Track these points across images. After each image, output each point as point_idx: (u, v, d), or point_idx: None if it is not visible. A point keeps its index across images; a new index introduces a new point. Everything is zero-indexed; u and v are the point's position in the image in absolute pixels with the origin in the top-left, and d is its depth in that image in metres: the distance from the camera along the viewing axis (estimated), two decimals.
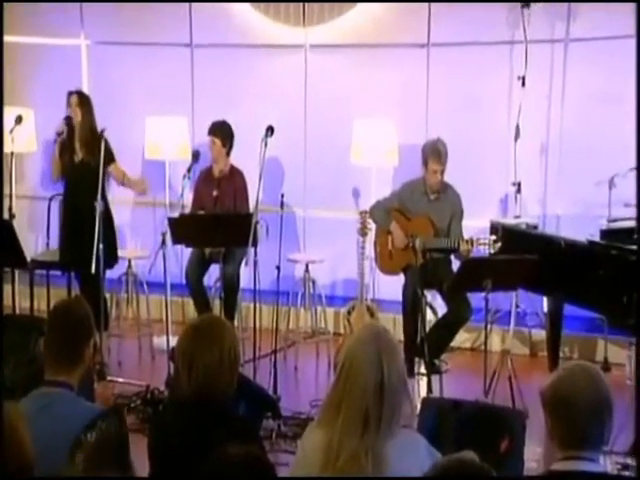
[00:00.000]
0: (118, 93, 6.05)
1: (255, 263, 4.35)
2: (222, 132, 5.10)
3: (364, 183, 5.51)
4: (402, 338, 4.57)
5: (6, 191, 5.11)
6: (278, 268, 4.40)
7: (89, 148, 4.81)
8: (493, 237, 4.33)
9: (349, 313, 4.82)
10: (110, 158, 4.90)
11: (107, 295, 4.99)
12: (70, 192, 4.96)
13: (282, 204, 4.52)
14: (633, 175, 4.17)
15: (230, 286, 4.85)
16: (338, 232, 5.69)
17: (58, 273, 5.22)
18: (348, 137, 5.29)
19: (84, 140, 4.86)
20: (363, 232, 4.76)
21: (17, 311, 5.20)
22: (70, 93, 4.96)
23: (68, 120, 4.85)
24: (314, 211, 5.84)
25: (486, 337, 4.07)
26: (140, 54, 6.02)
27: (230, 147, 5.10)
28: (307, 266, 5.21)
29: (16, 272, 5.13)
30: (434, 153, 4.63)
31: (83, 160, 4.86)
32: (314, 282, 5.22)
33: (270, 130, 4.54)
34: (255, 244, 4.31)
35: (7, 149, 5.03)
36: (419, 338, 4.46)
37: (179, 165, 5.31)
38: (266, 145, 4.42)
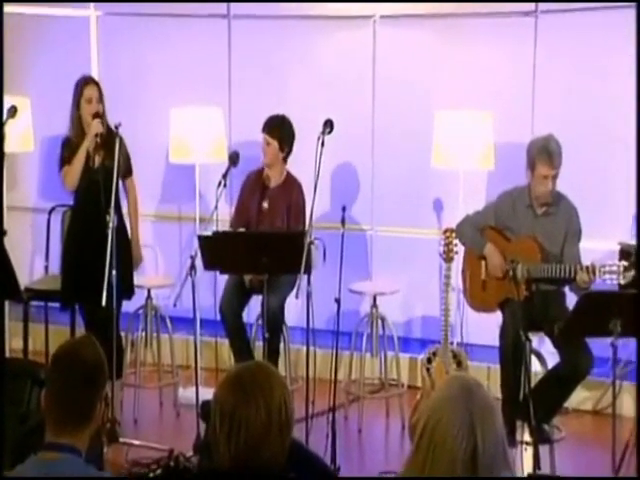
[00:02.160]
0: (135, 77, 6.19)
1: (308, 295, 4.38)
2: (282, 131, 5.14)
3: (449, 193, 5.51)
4: (500, 395, 4.55)
5: None
6: (338, 301, 4.46)
7: (108, 149, 4.86)
8: (624, 263, 4.26)
9: (429, 361, 4.79)
10: (127, 168, 5.00)
11: (121, 334, 5.08)
12: (83, 203, 5.02)
13: (343, 219, 4.59)
14: None
15: (273, 323, 4.90)
16: (415, 256, 5.72)
17: (59, 305, 5.30)
18: (428, 133, 5.31)
19: (103, 139, 4.92)
20: (448, 256, 4.75)
21: (7, 353, 5.22)
22: (85, 81, 5.01)
23: (102, 118, 4.89)
24: (384, 228, 5.89)
25: (614, 397, 4.00)
26: (163, 28, 6.13)
27: (289, 152, 5.17)
28: (375, 299, 5.22)
29: (6, 304, 5.20)
30: (543, 154, 4.59)
31: (104, 164, 4.93)
32: (384, 320, 5.23)
33: (328, 125, 4.61)
34: (309, 270, 4.35)
35: None
36: (522, 395, 4.42)
37: (212, 170, 5.41)
38: (323, 144, 4.49)
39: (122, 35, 6.23)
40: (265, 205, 5.16)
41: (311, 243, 4.39)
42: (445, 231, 4.83)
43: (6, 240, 4.67)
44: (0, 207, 4.99)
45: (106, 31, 6.27)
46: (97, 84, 5.02)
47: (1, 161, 4.84)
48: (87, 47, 6.27)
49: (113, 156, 4.71)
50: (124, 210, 5.08)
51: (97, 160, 4.94)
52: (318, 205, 4.47)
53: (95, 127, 4.87)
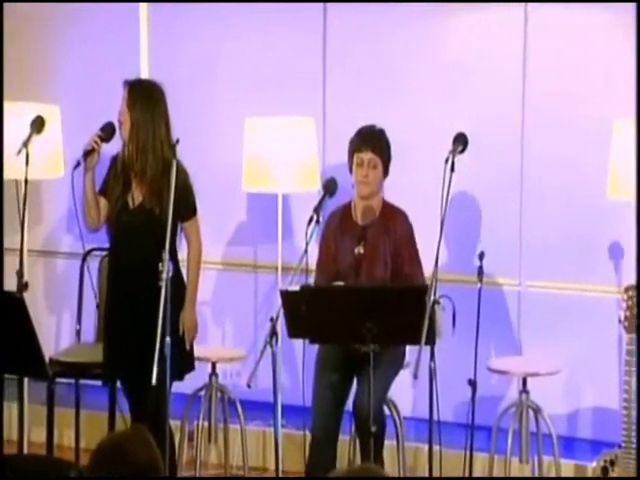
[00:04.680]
0: (198, 78, 6.22)
1: (432, 374, 4.34)
2: (387, 148, 5.12)
3: (632, 235, 5.25)
4: None
5: (13, 243, 5.30)
6: (472, 384, 4.47)
7: (156, 186, 4.84)
8: None
9: (605, 472, 4.70)
10: (187, 208, 4.94)
11: (174, 424, 5.03)
12: (120, 252, 5.01)
13: (481, 270, 4.55)
14: None
15: (379, 413, 4.82)
16: (583, 323, 5.58)
17: (96, 383, 5.30)
18: (602, 152, 5.22)
19: (145, 170, 4.88)
20: (631, 324, 4.65)
21: (25, 448, 5.32)
22: (126, 82, 5.00)
23: (107, 131, 4.91)
24: (538, 283, 5.77)
25: None
26: (235, 14, 6.13)
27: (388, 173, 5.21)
28: (525, 382, 5.12)
29: (25, 381, 5.26)
30: None
31: (143, 205, 4.92)
32: (538, 411, 5.13)
33: (461, 141, 4.60)
34: (432, 340, 4.31)
35: (16, 174, 5.16)
36: None
37: (301, 201, 5.42)
38: (453, 168, 4.45)
39: (181, 23, 6.26)
40: (360, 250, 5.13)
41: (436, 302, 4.35)
42: (627, 289, 4.74)
43: (27, 295, 4.75)
44: (0, 252, 5.09)
45: (160, 18, 6.30)
46: (132, 87, 4.96)
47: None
48: (135, 39, 6.34)
49: (159, 194, 4.72)
50: (181, 256, 5.07)
51: (137, 197, 4.94)
52: (444, 251, 4.62)
53: (87, 144, 4.86)
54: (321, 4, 6.02)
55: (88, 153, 4.84)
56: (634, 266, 5.15)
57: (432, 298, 4.30)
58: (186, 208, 4.94)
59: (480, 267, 4.53)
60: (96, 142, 4.86)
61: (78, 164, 4.84)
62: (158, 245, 4.58)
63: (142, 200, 4.90)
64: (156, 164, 4.83)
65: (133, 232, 4.90)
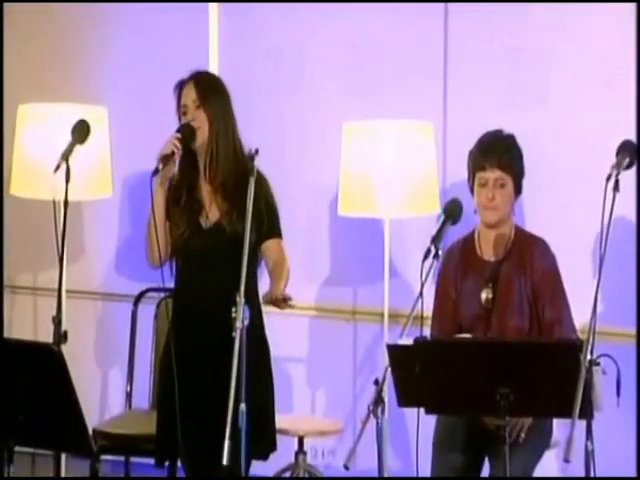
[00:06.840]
0: (282, 76, 6.30)
1: (588, 456, 4.14)
2: (514, 159, 5.08)
3: None
4: None
5: (49, 282, 5.13)
6: None
7: (235, 198, 4.83)
8: None
9: None
10: (270, 225, 4.95)
11: None
12: (189, 288, 5.01)
13: None
14: None
15: None
16: None
17: (151, 462, 5.12)
18: None
19: (222, 179, 4.91)
20: None
21: None
22: (181, 84, 4.96)
23: (186, 133, 4.85)
24: None
25: None
26: (323, 7, 6.16)
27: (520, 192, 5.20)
28: None
29: (63, 458, 5.29)
30: None
31: (221, 223, 4.92)
32: None
33: (627, 152, 4.42)
34: (589, 413, 4.15)
35: (53, 194, 5.03)
36: None
37: (413, 229, 5.50)
38: (617, 187, 4.26)
39: (260, 16, 6.34)
40: (488, 294, 5.11)
41: (594, 363, 4.19)
42: None
43: (66, 349, 4.59)
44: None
45: (231, 12, 6.40)
46: (198, 82, 4.93)
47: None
48: (205, 32, 6.44)
49: (242, 210, 4.65)
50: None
51: (212, 215, 4.94)
52: (601, 297, 4.33)
53: (164, 147, 4.77)
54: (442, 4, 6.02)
55: (167, 158, 4.75)
56: None
57: (588, 357, 4.10)
58: (273, 223, 4.93)
59: None
60: (175, 145, 4.77)
61: (157, 171, 4.76)
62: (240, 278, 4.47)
63: (220, 217, 4.88)
64: (241, 174, 4.75)
65: (208, 258, 4.89)
